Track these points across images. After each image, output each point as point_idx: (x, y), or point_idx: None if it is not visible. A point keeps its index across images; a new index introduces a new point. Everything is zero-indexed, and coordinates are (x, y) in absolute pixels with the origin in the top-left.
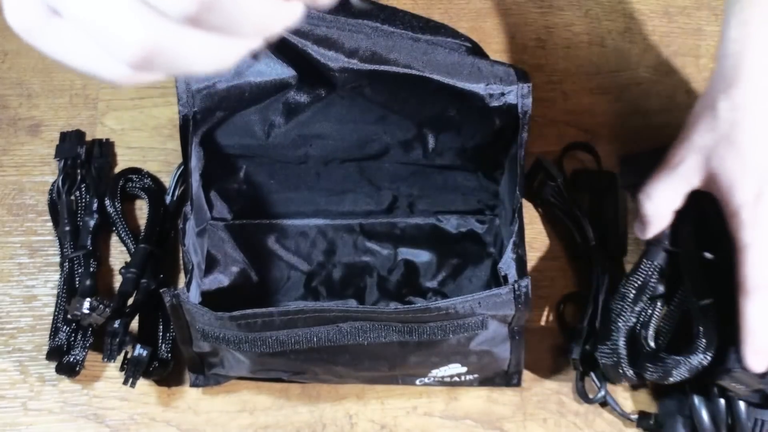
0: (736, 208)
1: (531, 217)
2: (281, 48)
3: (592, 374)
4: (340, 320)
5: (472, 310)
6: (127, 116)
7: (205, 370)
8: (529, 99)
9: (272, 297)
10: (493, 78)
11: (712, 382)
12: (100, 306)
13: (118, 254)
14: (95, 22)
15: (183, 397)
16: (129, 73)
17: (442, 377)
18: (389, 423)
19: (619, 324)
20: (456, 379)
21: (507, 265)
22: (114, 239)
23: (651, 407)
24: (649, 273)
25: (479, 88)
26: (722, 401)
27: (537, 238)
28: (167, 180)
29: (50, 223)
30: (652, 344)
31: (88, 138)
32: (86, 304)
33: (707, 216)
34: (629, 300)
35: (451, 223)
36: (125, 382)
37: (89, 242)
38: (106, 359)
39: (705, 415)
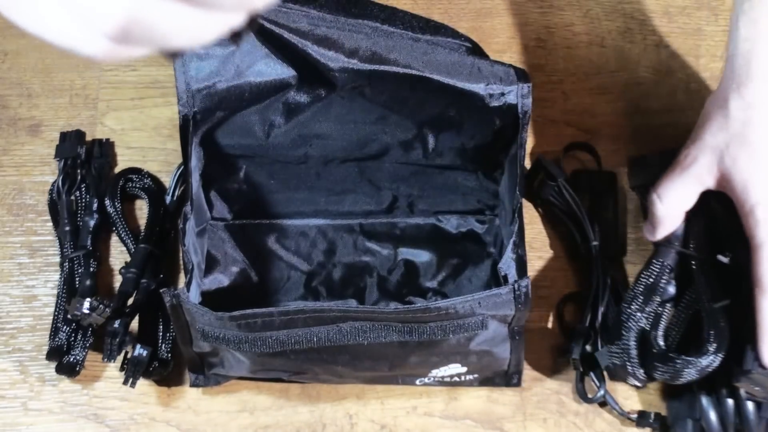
0: (751, 207)
1: (531, 217)
2: (281, 48)
3: (592, 374)
4: (340, 320)
5: (472, 310)
6: (127, 116)
7: (205, 370)
8: (529, 99)
9: (272, 297)
10: (493, 78)
11: (730, 384)
12: (100, 306)
13: (118, 254)
14: None
15: (183, 397)
16: (108, 47)
17: (442, 377)
18: (389, 423)
19: (630, 324)
20: (456, 379)
21: (507, 265)
22: (114, 239)
23: (650, 407)
24: (659, 273)
25: (479, 88)
26: (730, 402)
27: (537, 238)
28: (167, 180)
29: (50, 223)
30: (662, 344)
31: (88, 138)
32: (86, 304)
33: (715, 216)
34: (639, 300)
35: (451, 223)
36: (125, 382)
37: (89, 242)
38: (106, 359)
39: (713, 416)
